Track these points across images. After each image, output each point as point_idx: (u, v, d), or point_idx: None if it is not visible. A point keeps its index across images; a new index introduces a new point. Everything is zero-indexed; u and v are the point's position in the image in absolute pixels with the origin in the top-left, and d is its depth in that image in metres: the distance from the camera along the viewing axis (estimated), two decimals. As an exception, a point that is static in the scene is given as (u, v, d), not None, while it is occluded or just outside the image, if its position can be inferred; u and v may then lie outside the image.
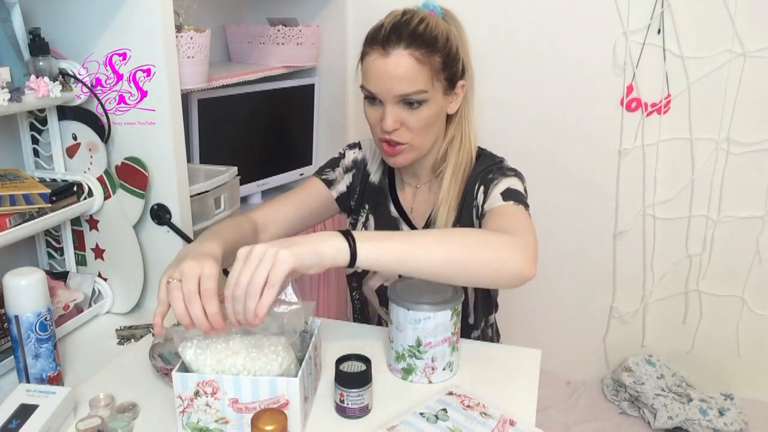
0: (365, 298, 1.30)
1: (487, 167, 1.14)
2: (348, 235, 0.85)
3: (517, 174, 1.14)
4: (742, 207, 1.98)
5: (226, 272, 0.95)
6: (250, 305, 0.80)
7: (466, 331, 1.22)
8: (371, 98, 1.10)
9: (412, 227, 1.22)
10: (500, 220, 1.02)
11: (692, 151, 1.97)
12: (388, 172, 1.26)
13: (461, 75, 1.12)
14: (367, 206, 1.26)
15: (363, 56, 1.09)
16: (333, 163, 1.28)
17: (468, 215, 1.14)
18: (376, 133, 1.13)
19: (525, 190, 1.12)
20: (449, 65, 1.09)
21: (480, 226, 1.10)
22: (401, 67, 1.04)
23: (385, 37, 1.05)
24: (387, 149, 1.11)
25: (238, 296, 0.80)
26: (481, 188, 1.12)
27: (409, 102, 1.06)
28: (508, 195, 1.07)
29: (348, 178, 1.27)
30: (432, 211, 1.18)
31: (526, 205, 1.07)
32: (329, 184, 1.26)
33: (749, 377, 2.12)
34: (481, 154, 1.19)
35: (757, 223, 1.98)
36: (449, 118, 1.16)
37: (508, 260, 0.90)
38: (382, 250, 0.86)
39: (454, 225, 1.15)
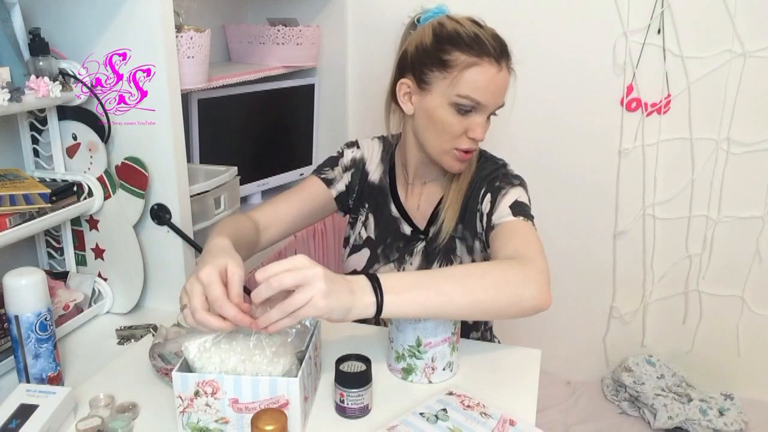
0: None
1: (492, 172, 1.15)
2: (376, 287, 0.85)
3: (522, 182, 1.14)
4: (742, 207, 1.98)
5: (246, 291, 0.94)
6: (273, 316, 0.80)
7: (464, 332, 1.22)
8: (466, 108, 1.07)
9: (413, 226, 1.22)
10: (513, 242, 1.02)
11: (692, 151, 1.97)
12: (389, 172, 1.26)
13: None
14: (366, 205, 1.26)
15: (468, 65, 1.05)
16: (332, 162, 1.28)
17: (471, 218, 1.15)
18: (455, 141, 1.09)
19: (529, 199, 1.12)
20: None
21: (486, 236, 1.10)
22: (507, 81, 1.10)
23: (498, 49, 1.07)
24: (462, 156, 1.11)
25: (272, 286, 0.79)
26: (488, 196, 1.12)
27: (494, 112, 1.11)
28: (517, 209, 1.07)
29: (347, 177, 1.27)
30: (435, 209, 1.18)
31: (533, 217, 1.08)
32: (329, 183, 1.26)
33: (749, 377, 2.12)
34: (482, 155, 1.20)
35: (757, 223, 1.98)
36: None
37: (526, 296, 0.91)
38: (406, 305, 0.86)
39: (457, 225, 1.15)
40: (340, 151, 1.29)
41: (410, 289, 0.86)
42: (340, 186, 1.26)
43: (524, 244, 1.01)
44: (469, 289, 0.89)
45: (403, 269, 1.21)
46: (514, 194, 1.10)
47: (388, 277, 0.86)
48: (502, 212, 1.08)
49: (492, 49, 1.06)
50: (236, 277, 0.85)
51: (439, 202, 1.19)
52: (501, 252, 1.01)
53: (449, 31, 1.07)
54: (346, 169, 1.27)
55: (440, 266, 1.18)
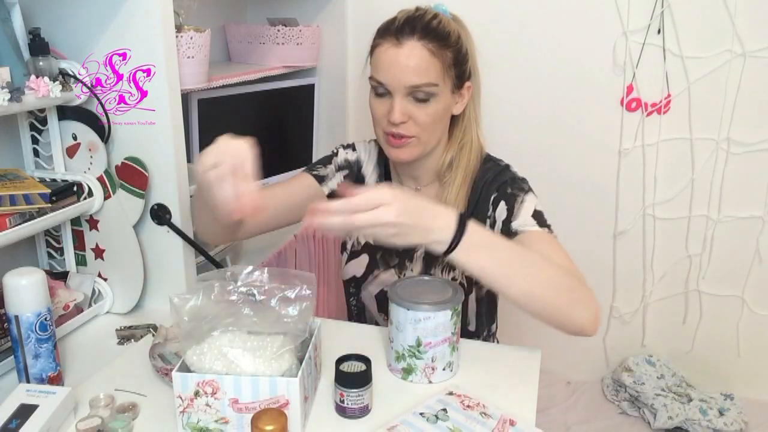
0: (362, 304, 1.30)
1: (497, 176, 1.13)
2: (460, 229, 0.87)
3: (529, 186, 1.13)
4: (742, 207, 1.98)
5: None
6: (335, 220, 0.83)
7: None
8: (379, 90, 1.09)
9: None
10: (555, 256, 1.00)
11: (692, 151, 1.97)
12: (385, 175, 1.25)
13: (468, 76, 1.12)
14: None
15: (374, 48, 1.10)
16: (325, 161, 1.26)
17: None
18: (381, 126, 1.11)
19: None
20: (459, 62, 1.09)
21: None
22: (414, 57, 1.04)
23: (399, 28, 1.05)
24: (392, 141, 1.10)
25: (341, 210, 0.82)
26: (501, 203, 1.10)
27: (418, 95, 1.06)
28: (540, 219, 1.07)
29: (339, 177, 1.25)
30: None
31: (549, 227, 1.09)
32: (320, 180, 1.22)
33: (749, 377, 2.12)
34: (486, 159, 1.19)
35: (757, 223, 1.98)
36: (456, 120, 1.16)
37: (580, 315, 0.95)
38: (475, 260, 0.89)
39: None
40: (335, 150, 1.27)
41: (487, 247, 0.90)
42: (333, 184, 1.23)
43: (570, 264, 1.01)
44: (535, 281, 0.91)
45: (404, 275, 1.21)
46: (530, 202, 1.09)
47: (475, 227, 0.89)
48: (525, 221, 1.07)
49: (395, 28, 1.06)
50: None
51: None
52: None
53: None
54: (339, 168, 1.25)
55: (441, 272, 1.17)
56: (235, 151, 0.88)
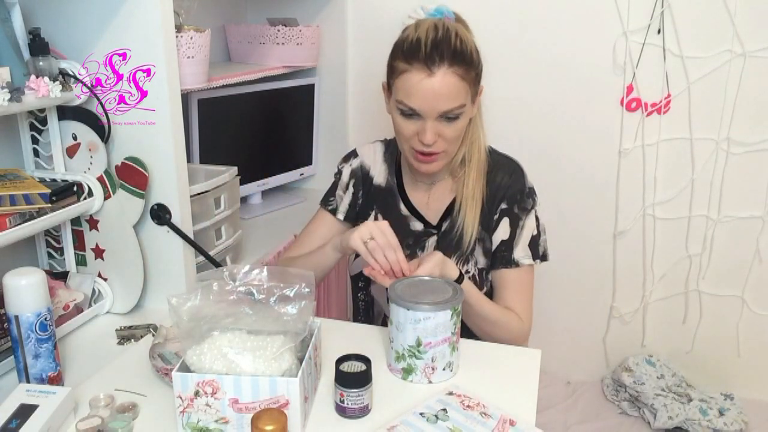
0: (371, 298, 1.31)
1: (513, 183, 1.19)
2: (460, 277, 1.10)
3: (534, 203, 1.20)
4: (742, 207, 1.98)
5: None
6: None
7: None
8: (408, 112, 1.11)
9: (425, 223, 1.23)
10: (518, 298, 1.19)
11: (692, 151, 1.97)
12: (396, 173, 1.27)
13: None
14: (375, 207, 1.28)
15: (401, 72, 1.09)
16: (332, 190, 1.33)
17: (487, 224, 1.20)
18: (411, 144, 1.14)
19: (537, 218, 1.20)
20: (479, 76, 1.13)
21: (501, 259, 1.19)
22: (446, 85, 1.07)
23: (428, 55, 1.06)
24: (422, 158, 1.14)
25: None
26: (506, 220, 1.18)
27: (449, 116, 1.09)
28: (534, 249, 1.19)
29: (348, 195, 1.30)
30: (450, 205, 1.22)
31: (543, 251, 1.22)
32: (334, 212, 1.30)
33: (749, 377, 2.12)
34: (494, 156, 1.22)
35: (757, 223, 1.98)
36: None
37: (513, 342, 1.14)
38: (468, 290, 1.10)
39: (479, 224, 1.20)
40: (338, 170, 1.33)
41: (475, 292, 1.13)
42: (344, 206, 1.30)
43: (526, 306, 1.20)
44: (486, 323, 1.15)
45: None
46: (529, 228, 1.18)
47: (465, 286, 1.09)
48: (523, 252, 1.17)
49: (424, 54, 1.07)
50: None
51: (453, 201, 1.20)
52: (509, 300, 1.19)
53: (400, 38, 1.12)
54: (345, 189, 1.31)
55: (457, 263, 1.21)
56: (385, 229, 1.06)
